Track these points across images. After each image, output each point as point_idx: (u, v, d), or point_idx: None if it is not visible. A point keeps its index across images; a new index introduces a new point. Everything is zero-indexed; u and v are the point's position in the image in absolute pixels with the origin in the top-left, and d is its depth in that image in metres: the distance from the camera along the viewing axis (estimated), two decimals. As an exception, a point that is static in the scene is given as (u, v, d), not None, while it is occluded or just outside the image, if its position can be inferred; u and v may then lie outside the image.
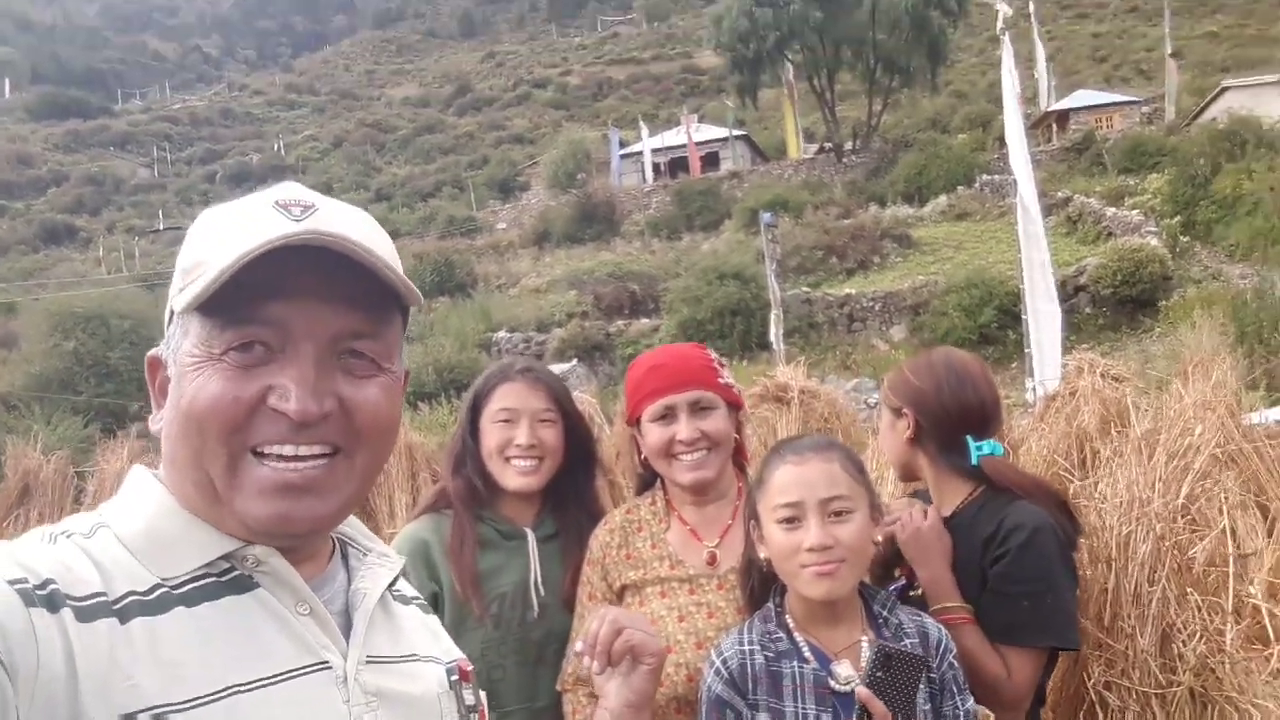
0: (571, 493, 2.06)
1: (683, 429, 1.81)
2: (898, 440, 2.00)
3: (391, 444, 0.93)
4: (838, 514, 1.52)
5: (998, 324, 15.68)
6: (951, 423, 1.96)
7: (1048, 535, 1.81)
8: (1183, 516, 2.30)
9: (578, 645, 1.22)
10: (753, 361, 15.75)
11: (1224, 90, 29.98)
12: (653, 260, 23.71)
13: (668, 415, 1.83)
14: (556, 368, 16.50)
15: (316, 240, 0.79)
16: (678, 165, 39.15)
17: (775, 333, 14.82)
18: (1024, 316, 8.93)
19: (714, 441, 1.82)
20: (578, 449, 2.06)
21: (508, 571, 1.94)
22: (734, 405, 1.91)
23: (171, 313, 0.85)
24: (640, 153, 39.69)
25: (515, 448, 1.95)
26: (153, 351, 0.89)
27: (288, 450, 0.81)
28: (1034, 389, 8.73)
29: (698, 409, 1.83)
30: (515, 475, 1.95)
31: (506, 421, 1.97)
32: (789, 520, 1.53)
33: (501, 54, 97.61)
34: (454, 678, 0.97)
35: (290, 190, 0.86)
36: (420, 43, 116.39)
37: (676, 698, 1.68)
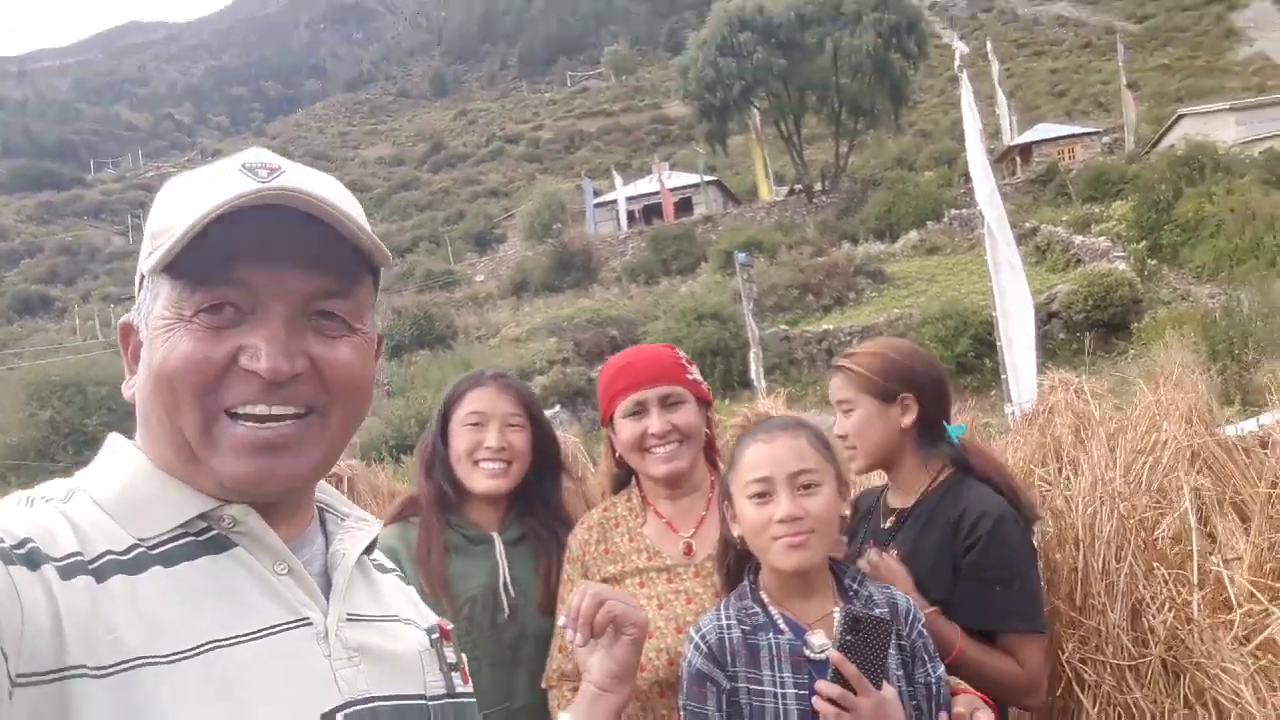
0: (538, 498, 2.09)
1: (654, 422, 1.87)
2: (890, 428, 1.98)
3: (366, 404, 0.93)
4: (806, 487, 1.57)
5: (974, 353, 15.87)
6: (943, 402, 2.05)
7: (1011, 523, 1.87)
8: (1147, 493, 2.36)
9: (560, 621, 1.24)
10: (734, 399, 15.83)
11: (1180, 118, 30.92)
12: (631, 305, 23.90)
13: (639, 411, 1.89)
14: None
15: (283, 199, 0.79)
16: (652, 211, 39.66)
17: (756, 370, 14.93)
18: (998, 344, 9.05)
19: (685, 434, 1.88)
20: (545, 455, 2.11)
21: (475, 575, 1.96)
22: (703, 400, 1.97)
23: (142, 277, 0.86)
24: (614, 201, 40.15)
25: (485, 450, 1.99)
26: (125, 317, 0.89)
27: (260, 410, 0.81)
28: (1013, 413, 8.83)
29: (668, 403, 1.89)
30: (484, 478, 1.99)
31: (476, 425, 2.01)
32: (760, 495, 1.58)
33: (474, 111, 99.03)
34: (435, 636, 0.98)
35: (258, 154, 0.86)
36: (393, 103, 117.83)
37: (659, 681, 1.71)
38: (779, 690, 1.50)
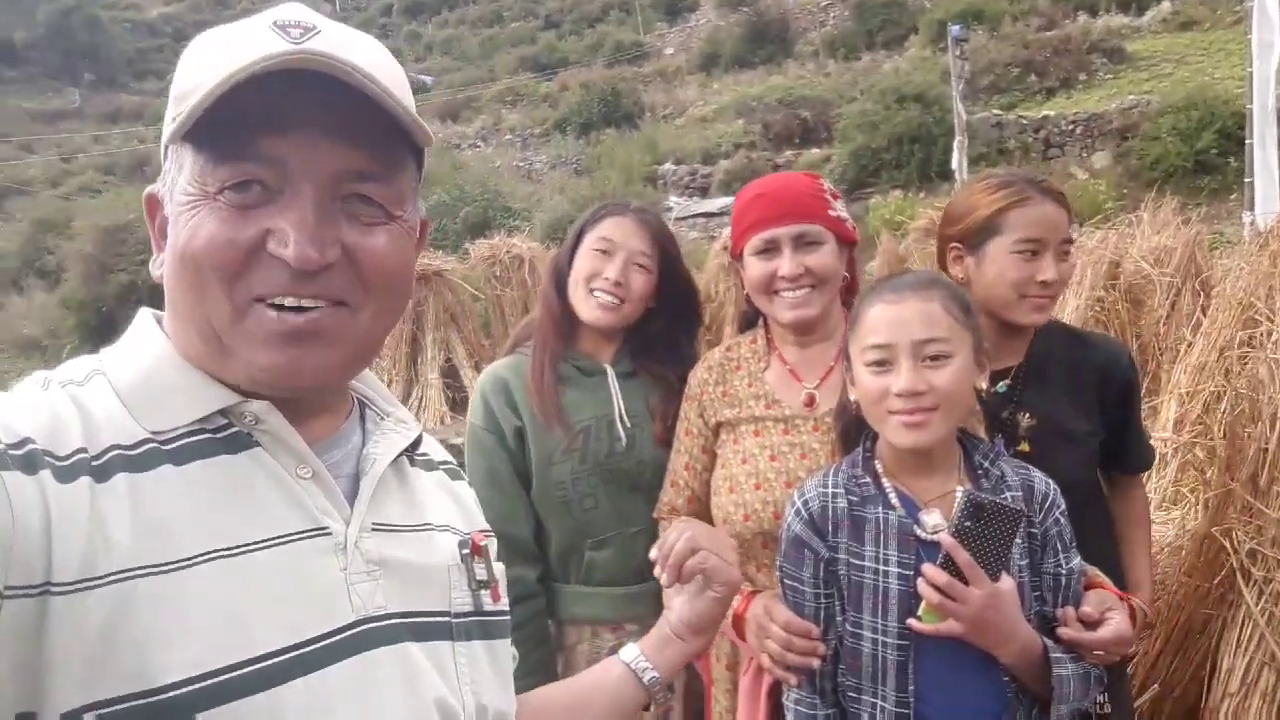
0: (662, 344, 2.03)
1: (786, 264, 1.73)
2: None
3: (405, 299, 0.87)
4: (934, 358, 1.42)
5: (1218, 150, 13.81)
6: None
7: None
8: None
9: (653, 553, 1.18)
10: (931, 192, 14.83)
11: None
12: (827, 83, 22.29)
13: (770, 249, 1.75)
14: (720, 202, 16.18)
15: (314, 63, 0.72)
16: (861, -25, 35.95)
17: (958, 160, 13.79)
18: (1248, 141, 7.84)
19: (819, 278, 1.73)
20: (672, 301, 2.02)
21: (588, 406, 1.96)
22: (846, 241, 1.79)
23: (166, 146, 0.79)
24: (819, -37, 36.62)
25: (602, 280, 1.93)
26: (150, 188, 0.84)
27: (289, 302, 0.76)
28: (1251, 222, 7.78)
29: (803, 243, 1.73)
30: (592, 307, 1.95)
31: (603, 252, 1.95)
32: (879, 364, 1.44)
33: None
34: (465, 551, 0.92)
35: (292, 10, 0.78)
36: None
37: (763, 532, 1.69)
38: (881, 567, 1.43)
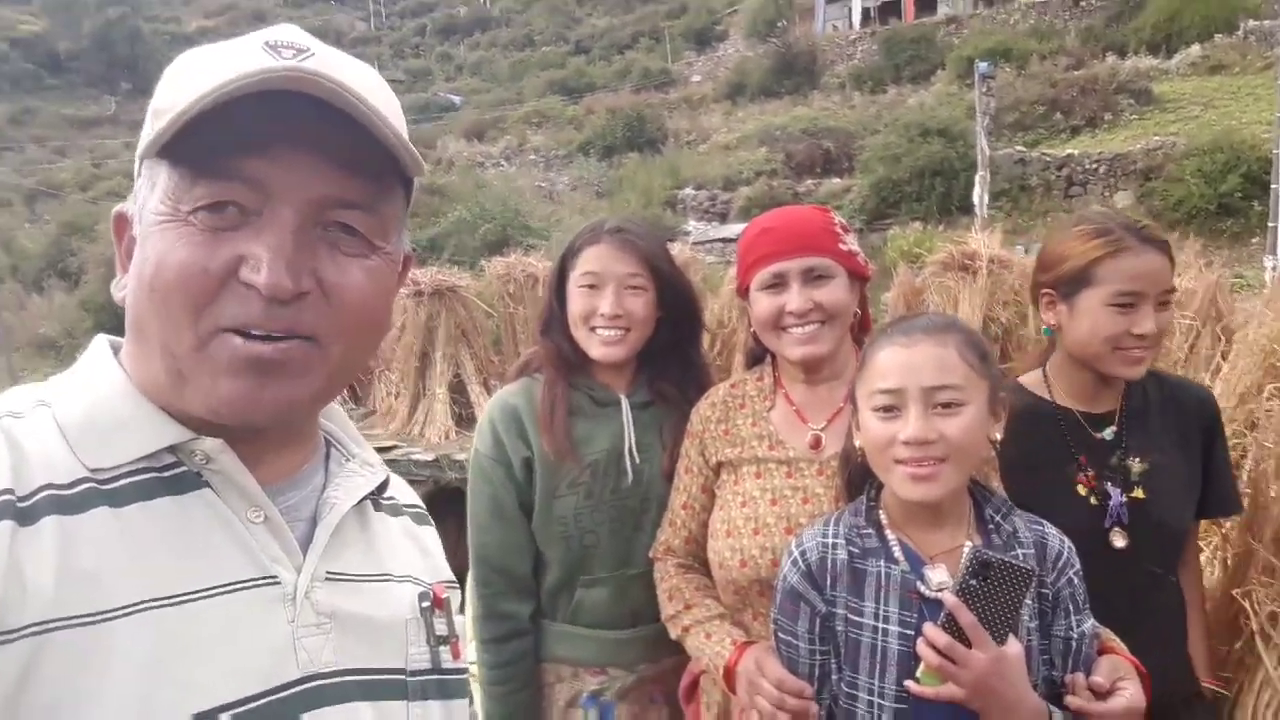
0: (674, 361, 1.95)
1: (794, 299, 1.66)
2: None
3: (380, 335, 0.82)
4: (945, 405, 1.34)
5: (1242, 193, 13.65)
6: None
7: None
8: None
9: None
10: (951, 226, 14.71)
11: None
12: (852, 115, 22.29)
13: (778, 284, 1.68)
14: (739, 228, 16.15)
15: (303, 83, 0.68)
16: (889, 10, 36.08)
17: (979, 194, 13.73)
18: (1274, 186, 7.77)
19: (829, 314, 1.66)
20: (677, 315, 1.93)
21: (599, 439, 1.89)
22: (857, 275, 1.73)
23: (140, 162, 0.75)
24: (848, -4, 36.86)
25: (599, 317, 1.85)
26: (120, 206, 0.80)
27: (257, 331, 0.72)
28: (1274, 267, 7.67)
29: (812, 277, 1.66)
30: (599, 345, 1.87)
31: (591, 287, 1.86)
32: (887, 409, 1.37)
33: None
34: (425, 604, 0.87)
35: (285, 31, 0.75)
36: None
37: (760, 580, 1.62)
38: (881, 625, 1.36)
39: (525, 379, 1.99)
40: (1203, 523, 1.90)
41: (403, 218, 0.82)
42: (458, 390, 8.39)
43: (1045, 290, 1.76)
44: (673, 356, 1.97)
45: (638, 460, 1.89)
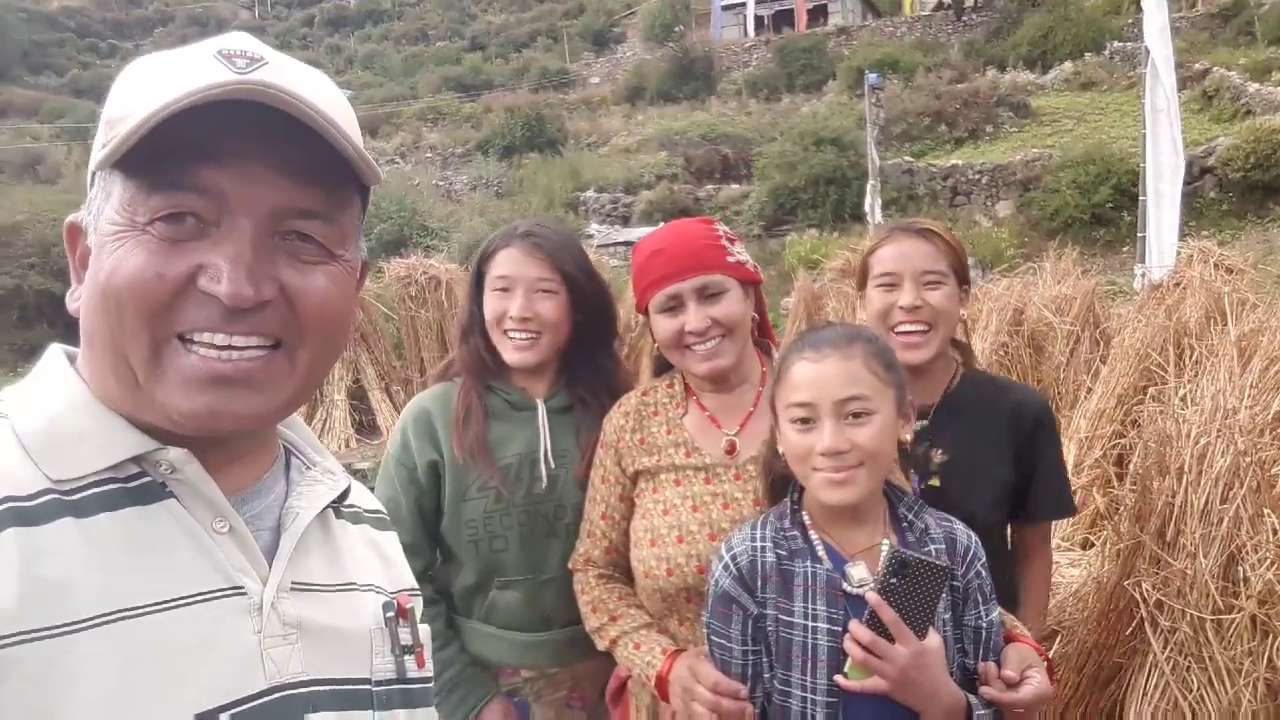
0: (587, 365, 1.96)
1: (691, 318, 1.68)
2: (957, 315, 1.91)
3: (343, 340, 0.83)
4: (856, 415, 1.40)
5: (1112, 204, 14.61)
6: None
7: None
8: (1271, 433, 2.09)
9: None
10: (845, 233, 15.20)
11: None
12: (748, 122, 22.75)
13: (675, 305, 1.70)
14: (642, 231, 16.27)
15: (258, 94, 0.69)
16: (782, 19, 37.04)
17: (871, 203, 14.19)
18: (1141, 198, 8.30)
19: (727, 327, 1.69)
20: (589, 319, 1.94)
21: (514, 443, 1.88)
22: (749, 283, 1.76)
23: (94, 174, 0.75)
24: (744, 3, 37.59)
25: (510, 320, 1.85)
26: (72, 217, 0.79)
27: (219, 340, 0.71)
28: (1144, 274, 8.19)
29: (706, 295, 1.69)
30: (511, 350, 1.87)
31: (504, 290, 1.86)
32: (803, 421, 1.42)
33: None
34: (390, 614, 0.87)
35: (238, 40, 0.74)
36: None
37: (687, 588, 1.64)
38: (810, 623, 1.40)
39: (445, 383, 1.97)
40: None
41: (359, 225, 0.83)
42: (358, 397, 8.14)
43: (860, 293, 2.02)
44: (585, 362, 1.97)
45: (553, 466, 1.88)
